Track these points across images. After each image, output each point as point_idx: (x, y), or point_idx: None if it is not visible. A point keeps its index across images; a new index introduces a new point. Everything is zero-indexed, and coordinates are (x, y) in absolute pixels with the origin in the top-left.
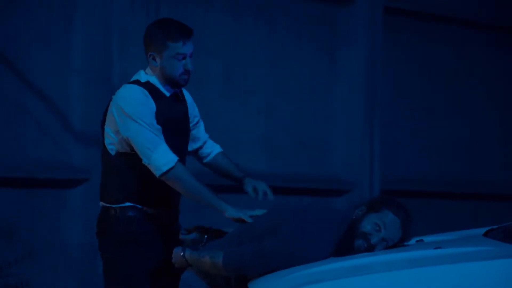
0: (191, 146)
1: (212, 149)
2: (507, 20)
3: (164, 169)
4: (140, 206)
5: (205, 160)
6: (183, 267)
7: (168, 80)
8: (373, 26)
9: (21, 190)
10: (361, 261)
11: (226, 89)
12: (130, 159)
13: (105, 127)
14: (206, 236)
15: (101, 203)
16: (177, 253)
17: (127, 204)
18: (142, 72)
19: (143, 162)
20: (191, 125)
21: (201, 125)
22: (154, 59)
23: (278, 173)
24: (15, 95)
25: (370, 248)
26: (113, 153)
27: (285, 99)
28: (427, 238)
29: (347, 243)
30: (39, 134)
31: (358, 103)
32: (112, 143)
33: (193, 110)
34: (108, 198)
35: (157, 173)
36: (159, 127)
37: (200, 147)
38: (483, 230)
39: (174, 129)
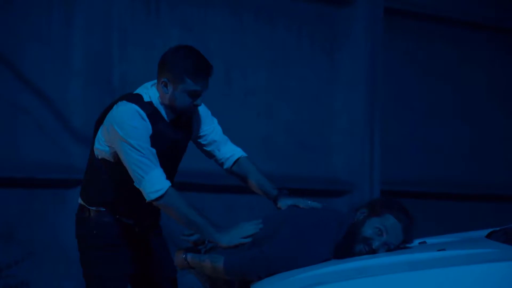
0: (207, 151)
1: (232, 153)
2: (508, 21)
3: (153, 196)
4: (114, 214)
5: (225, 166)
6: (184, 269)
7: (174, 109)
8: (373, 27)
9: (20, 190)
10: (363, 263)
11: (226, 90)
12: (111, 168)
13: (99, 131)
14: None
15: (79, 201)
16: (179, 256)
17: (101, 209)
18: (149, 88)
19: (134, 184)
20: (201, 138)
21: (214, 131)
22: (166, 86)
23: (278, 174)
24: (15, 95)
25: (371, 253)
26: (98, 157)
27: (285, 100)
28: (429, 240)
29: (348, 246)
30: (39, 135)
31: (358, 104)
32: (99, 149)
33: (203, 124)
34: (86, 198)
35: (147, 199)
36: (153, 150)
37: (216, 151)
38: (485, 232)
39: (168, 153)
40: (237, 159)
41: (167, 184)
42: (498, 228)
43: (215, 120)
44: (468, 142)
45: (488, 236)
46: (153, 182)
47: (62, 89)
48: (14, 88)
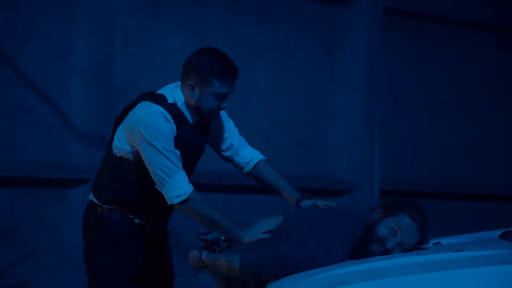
0: (225, 156)
1: (252, 157)
2: (508, 20)
3: (176, 201)
4: (126, 213)
5: (245, 170)
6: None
7: (199, 112)
8: (373, 27)
9: (22, 190)
10: (380, 264)
11: None
12: (129, 166)
13: (119, 129)
14: (223, 238)
15: (90, 197)
16: (194, 255)
17: (114, 207)
18: (173, 89)
19: (156, 187)
20: (220, 143)
21: (232, 134)
22: (192, 89)
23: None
24: (16, 94)
25: (386, 253)
26: (116, 155)
27: (285, 100)
28: (444, 241)
29: (363, 246)
30: (40, 134)
31: (359, 103)
32: (118, 147)
33: (221, 127)
34: (98, 195)
35: (169, 202)
36: (178, 152)
37: (234, 156)
38: (497, 232)
39: (189, 155)
40: (256, 163)
41: (190, 188)
42: (510, 229)
43: (231, 122)
44: (468, 142)
45: (501, 236)
46: (177, 186)
47: (64, 89)
48: (15, 87)
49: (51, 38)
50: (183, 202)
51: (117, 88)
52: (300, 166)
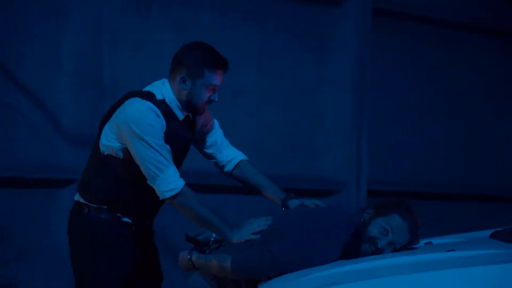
0: (207, 153)
1: (234, 156)
2: (495, 22)
3: (168, 195)
4: (114, 212)
5: (226, 169)
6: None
7: (189, 106)
8: (361, 27)
9: (11, 190)
10: (373, 264)
11: None
12: (118, 164)
13: (106, 127)
14: (212, 239)
15: (76, 197)
16: (184, 257)
17: (103, 206)
18: (161, 86)
19: (148, 183)
20: (203, 139)
21: (216, 132)
22: (184, 82)
23: (267, 174)
24: (5, 95)
25: (378, 252)
26: (103, 153)
27: (273, 100)
28: (435, 241)
29: (355, 246)
30: (29, 135)
31: (347, 103)
32: (106, 145)
33: (205, 124)
34: (86, 195)
35: (160, 197)
36: (168, 147)
37: (217, 153)
38: (488, 232)
39: (177, 151)
40: (238, 163)
41: (181, 182)
42: (500, 229)
43: (217, 122)
44: (456, 142)
45: (492, 236)
46: (168, 180)
47: (53, 90)
48: (4, 88)
49: (40, 39)
50: (175, 196)
51: (105, 88)
52: (288, 167)
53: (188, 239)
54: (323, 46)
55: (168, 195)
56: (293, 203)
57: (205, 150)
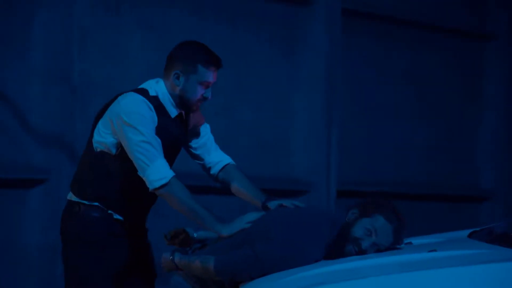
0: (195, 154)
1: (221, 159)
2: (463, 24)
3: (157, 184)
4: (106, 209)
5: (212, 171)
6: (171, 270)
7: (182, 102)
8: (331, 28)
9: None
10: (356, 264)
11: None
12: (110, 160)
13: (100, 123)
14: (195, 235)
15: (68, 196)
16: (166, 258)
17: (94, 203)
18: (154, 84)
19: (138, 174)
20: (193, 140)
21: (207, 135)
22: (178, 78)
23: None
24: None
25: (361, 253)
26: (96, 150)
27: (244, 100)
28: (415, 241)
29: (339, 246)
30: None
31: (317, 104)
32: (99, 141)
33: (197, 125)
34: (79, 192)
35: (150, 187)
36: (159, 140)
37: (205, 155)
38: (466, 232)
39: (168, 149)
40: (224, 166)
41: (171, 173)
42: (478, 229)
43: (208, 126)
44: (425, 143)
45: (470, 236)
46: (158, 170)
47: (22, 88)
48: None
49: (8, 37)
50: (164, 185)
51: (75, 87)
52: (258, 167)
53: (166, 239)
54: (294, 46)
55: (157, 184)
56: (273, 204)
57: (193, 151)
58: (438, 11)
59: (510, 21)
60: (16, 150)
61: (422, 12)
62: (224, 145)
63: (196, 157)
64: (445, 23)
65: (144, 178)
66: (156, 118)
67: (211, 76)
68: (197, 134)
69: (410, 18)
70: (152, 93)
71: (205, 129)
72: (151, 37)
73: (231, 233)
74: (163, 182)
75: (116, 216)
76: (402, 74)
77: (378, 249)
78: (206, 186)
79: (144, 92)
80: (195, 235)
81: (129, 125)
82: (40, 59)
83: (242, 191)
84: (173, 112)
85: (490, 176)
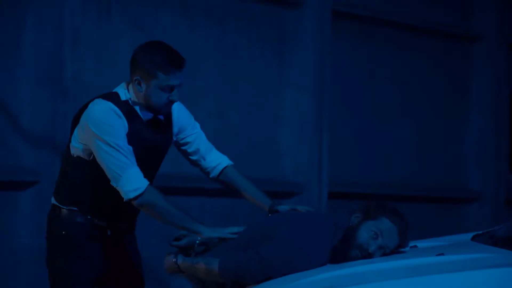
0: (192, 160)
1: (219, 161)
2: (451, 25)
3: (132, 195)
4: (85, 214)
5: (211, 175)
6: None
7: (149, 108)
8: (321, 30)
9: None
10: (364, 269)
11: None
12: (86, 166)
13: (76, 129)
14: (197, 241)
15: (52, 200)
16: (169, 260)
17: (73, 208)
18: (125, 87)
19: (111, 184)
20: (182, 141)
21: (198, 137)
22: (139, 84)
23: None
24: None
25: (367, 257)
26: (73, 155)
27: (235, 102)
28: (420, 244)
29: (344, 251)
30: None
31: (308, 106)
32: (74, 147)
33: (184, 129)
34: (58, 197)
35: (124, 198)
36: (130, 148)
37: (201, 160)
38: (469, 235)
39: (145, 154)
40: (224, 169)
41: (145, 182)
42: (480, 232)
43: (198, 125)
44: (415, 144)
45: (473, 239)
46: (131, 180)
47: (13, 89)
48: None
49: (0, 37)
50: (139, 196)
51: (66, 88)
52: (249, 168)
53: (172, 244)
54: (284, 47)
55: (132, 195)
56: (283, 207)
57: (189, 157)
58: (426, 13)
59: (496, 23)
60: (7, 152)
61: (410, 14)
62: (214, 146)
63: (193, 162)
64: (433, 25)
65: (118, 189)
66: (126, 125)
67: (172, 80)
68: (187, 139)
69: (399, 20)
70: (123, 97)
71: (195, 131)
72: (141, 38)
73: (211, 235)
74: (138, 192)
75: (97, 221)
76: (391, 75)
77: (384, 251)
78: (198, 188)
79: (115, 97)
80: (198, 237)
81: (98, 136)
82: (31, 61)
83: (246, 194)
84: (146, 115)
85: (478, 177)
